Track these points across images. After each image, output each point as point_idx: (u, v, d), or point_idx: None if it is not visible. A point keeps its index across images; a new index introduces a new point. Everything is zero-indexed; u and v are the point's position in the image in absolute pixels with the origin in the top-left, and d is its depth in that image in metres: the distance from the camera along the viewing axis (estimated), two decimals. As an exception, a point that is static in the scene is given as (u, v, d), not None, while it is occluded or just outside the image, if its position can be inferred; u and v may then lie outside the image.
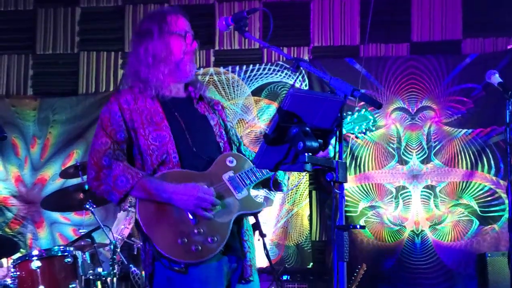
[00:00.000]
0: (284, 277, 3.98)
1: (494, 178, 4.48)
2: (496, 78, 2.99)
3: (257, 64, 4.82)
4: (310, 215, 4.65)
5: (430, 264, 4.46)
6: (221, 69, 4.83)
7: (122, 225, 3.65)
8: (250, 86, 4.81)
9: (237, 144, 2.18)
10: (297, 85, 4.75)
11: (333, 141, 1.67)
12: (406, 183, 4.58)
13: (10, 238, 4.01)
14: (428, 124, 4.62)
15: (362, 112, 2.16)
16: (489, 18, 4.71)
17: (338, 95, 1.63)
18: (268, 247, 2.53)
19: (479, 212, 4.48)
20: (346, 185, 1.66)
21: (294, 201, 4.67)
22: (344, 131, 2.13)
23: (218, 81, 4.81)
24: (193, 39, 2.11)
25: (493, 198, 4.47)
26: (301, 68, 1.83)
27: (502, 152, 4.42)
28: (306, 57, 4.81)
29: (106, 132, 2.03)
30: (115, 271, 3.26)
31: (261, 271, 3.64)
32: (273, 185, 2.16)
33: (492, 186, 4.48)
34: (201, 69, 4.81)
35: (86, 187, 3.45)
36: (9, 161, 4.83)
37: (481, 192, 4.49)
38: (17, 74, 5.00)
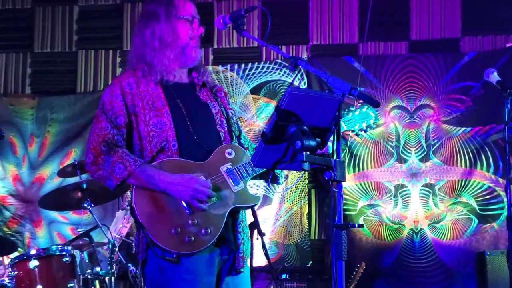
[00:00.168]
0: (283, 276, 3.97)
1: (493, 176, 4.48)
2: (494, 77, 2.99)
3: (256, 63, 4.81)
4: (309, 214, 4.64)
5: (429, 262, 4.45)
6: (220, 68, 4.82)
7: (121, 224, 3.65)
8: (248, 85, 4.80)
9: (237, 133, 2.18)
10: (296, 83, 4.74)
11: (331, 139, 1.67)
12: (405, 181, 4.58)
13: (8, 238, 4.00)
14: (427, 122, 4.61)
15: (363, 109, 2.15)
16: (487, 16, 4.70)
17: (336, 94, 1.64)
18: (267, 246, 2.53)
19: (478, 211, 4.48)
20: (345, 184, 1.66)
21: (293, 199, 4.66)
22: (344, 128, 2.13)
23: (217, 79, 4.80)
24: (200, 24, 2.11)
25: (492, 196, 4.46)
26: (299, 67, 1.83)
27: (501, 150, 4.41)
28: (304, 55, 4.81)
29: (107, 116, 2.02)
30: (113, 270, 3.25)
31: (260, 270, 3.66)
32: (272, 179, 2.17)
33: (491, 185, 4.48)
34: (200, 67, 4.79)
35: (84, 186, 3.45)
36: (7, 160, 4.81)
37: (480, 190, 4.49)
38: (15, 72, 4.99)
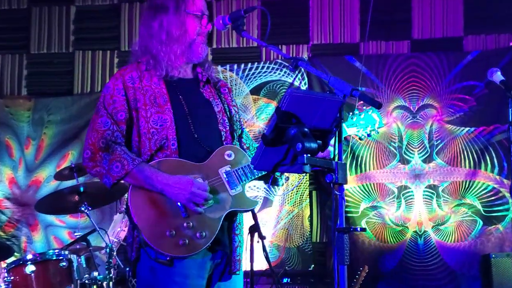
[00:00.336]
0: (284, 280, 3.93)
1: (497, 177, 4.43)
2: (498, 76, 2.94)
3: (256, 63, 4.77)
4: (311, 216, 4.60)
5: (433, 265, 4.42)
6: (219, 68, 4.78)
7: (119, 227, 3.61)
8: (248, 85, 4.76)
9: (239, 132, 2.17)
10: (296, 83, 4.70)
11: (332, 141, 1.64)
12: (408, 182, 4.53)
13: (4, 242, 3.97)
14: (430, 123, 4.57)
15: (368, 112, 2.11)
16: (490, 14, 4.67)
17: (337, 95, 1.61)
18: (268, 249, 2.48)
19: (483, 212, 4.44)
20: (347, 185, 1.62)
21: (295, 201, 4.62)
22: (348, 132, 2.09)
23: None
24: (208, 20, 2.09)
25: (497, 198, 4.43)
26: (300, 67, 1.80)
27: (506, 151, 4.37)
28: (305, 55, 4.77)
29: (107, 111, 2.00)
30: (111, 275, 3.21)
31: (260, 274, 3.61)
32: (272, 181, 2.16)
33: (495, 185, 4.43)
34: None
35: (82, 189, 3.42)
36: (3, 163, 4.79)
37: (484, 191, 4.44)
38: (11, 74, 4.97)
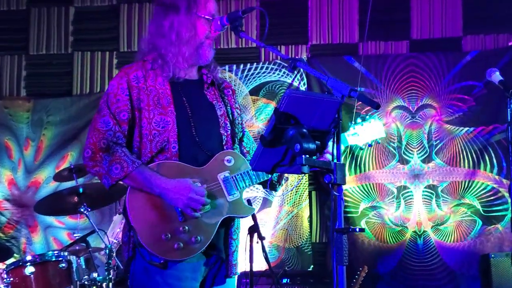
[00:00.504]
0: (284, 281, 3.92)
1: (496, 177, 4.43)
2: (496, 76, 2.95)
3: (255, 63, 4.76)
4: (310, 217, 4.60)
5: (433, 265, 4.41)
6: (218, 68, 4.76)
7: (118, 228, 3.61)
8: (247, 86, 4.75)
9: (240, 135, 2.17)
10: (295, 84, 4.70)
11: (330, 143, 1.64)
12: (407, 183, 4.53)
13: (4, 243, 3.97)
14: (429, 123, 4.57)
15: (371, 122, 2.11)
16: (489, 14, 4.66)
17: (335, 96, 1.61)
18: (267, 249, 2.48)
19: (482, 212, 4.43)
20: (346, 186, 1.63)
21: (294, 202, 4.61)
22: (349, 142, 2.09)
23: (215, 80, 4.75)
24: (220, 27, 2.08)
25: (496, 198, 4.42)
26: (298, 68, 1.80)
27: (505, 151, 4.37)
28: (304, 56, 4.76)
29: (110, 110, 1.99)
30: (110, 276, 3.20)
31: (260, 274, 3.60)
32: (270, 187, 2.16)
33: (495, 185, 4.43)
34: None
35: (81, 190, 3.41)
36: (2, 164, 4.78)
37: (483, 191, 4.44)
38: (10, 75, 4.96)
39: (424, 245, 4.45)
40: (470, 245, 4.40)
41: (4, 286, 3.03)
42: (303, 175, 4.40)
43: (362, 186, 4.55)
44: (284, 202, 4.62)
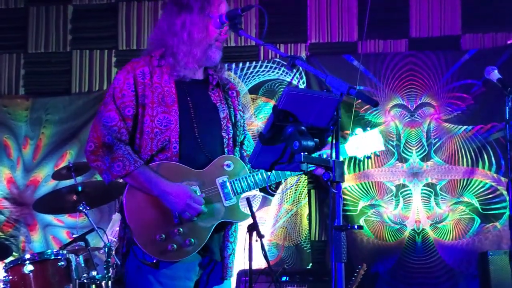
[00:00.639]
0: (283, 279, 3.92)
1: (495, 175, 4.43)
2: (495, 74, 2.96)
3: (254, 62, 4.76)
4: (309, 215, 4.60)
5: (431, 263, 4.41)
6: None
7: (117, 227, 3.57)
8: (247, 84, 4.75)
9: (242, 138, 2.17)
10: (295, 82, 4.70)
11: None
12: (406, 181, 4.53)
13: (3, 242, 3.96)
14: (428, 121, 4.57)
15: (370, 133, 2.12)
16: (488, 12, 4.66)
17: (334, 93, 1.61)
18: (267, 248, 2.48)
19: (481, 210, 4.43)
20: (345, 184, 1.63)
21: (293, 200, 4.62)
22: (348, 154, 2.10)
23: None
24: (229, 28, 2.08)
25: (495, 196, 4.42)
26: (297, 66, 1.80)
27: (503, 149, 4.36)
28: (303, 54, 4.76)
29: (116, 105, 1.99)
30: (109, 274, 3.20)
31: (259, 272, 3.60)
32: (267, 192, 2.20)
33: (493, 183, 4.43)
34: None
35: (80, 188, 3.41)
36: (0, 163, 4.77)
37: (482, 189, 4.44)
38: (8, 73, 4.94)
39: (422, 243, 4.45)
40: (469, 243, 4.40)
41: (3, 284, 3.03)
42: (302, 173, 4.41)
43: (361, 184, 4.55)
44: (284, 201, 4.62)
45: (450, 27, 4.71)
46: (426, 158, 4.53)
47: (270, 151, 1.61)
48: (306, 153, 1.54)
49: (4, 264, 3.16)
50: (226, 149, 2.07)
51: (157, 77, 2.02)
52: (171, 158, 1.98)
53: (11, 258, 3.34)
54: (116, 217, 3.70)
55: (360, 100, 1.68)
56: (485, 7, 4.65)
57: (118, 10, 4.92)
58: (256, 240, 2.26)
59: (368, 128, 2.12)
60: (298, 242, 4.55)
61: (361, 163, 4.54)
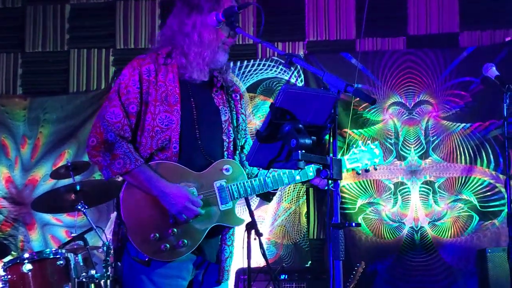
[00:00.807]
0: (282, 277, 3.93)
1: (493, 172, 4.44)
2: (493, 71, 2.96)
3: (252, 60, 4.75)
4: (308, 213, 4.60)
5: (430, 260, 4.42)
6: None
7: (116, 226, 3.59)
8: (245, 83, 4.75)
9: (242, 142, 2.17)
10: (293, 80, 4.70)
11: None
12: (404, 179, 4.54)
13: (1, 241, 3.96)
14: (426, 119, 4.57)
15: (371, 148, 2.13)
16: (486, 10, 4.66)
17: (331, 91, 1.61)
18: (265, 246, 2.48)
19: (479, 207, 4.44)
20: (343, 182, 1.63)
21: (292, 198, 4.62)
22: (347, 166, 2.10)
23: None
24: (236, 33, 2.08)
25: (493, 193, 4.43)
26: (295, 64, 1.80)
27: (501, 146, 4.37)
28: (301, 52, 4.76)
29: (121, 101, 1.99)
30: (108, 273, 3.20)
31: (258, 270, 3.60)
32: (264, 198, 2.18)
33: (491, 181, 4.44)
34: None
35: (78, 187, 3.40)
36: (-1, 162, 4.77)
37: (480, 187, 4.45)
38: (6, 73, 4.94)
39: (421, 241, 4.45)
40: (467, 240, 4.41)
41: (2, 283, 3.02)
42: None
43: (359, 182, 4.55)
44: (282, 199, 4.62)
45: (448, 25, 4.71)
46: (424, 156, 4.53)
47: (268, 149, 1.61)
48: (303, 151, 1.53)
49: (2, 263, 3.16)
50: (226, 152, 2.07)
51: (162, 75, 2.01)
52: (170, 157, 1.98)
53: (9, 257, 3.34)
54: (115, 216, 3.69)
55: (358, 98, 1.68)
56: (483, 5, 4.66)
57: (116, 9, 4.92)
58: (255, 239, 2.25)
59: (369, 142, 2.13)
60: (297, 240, 4.56)
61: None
